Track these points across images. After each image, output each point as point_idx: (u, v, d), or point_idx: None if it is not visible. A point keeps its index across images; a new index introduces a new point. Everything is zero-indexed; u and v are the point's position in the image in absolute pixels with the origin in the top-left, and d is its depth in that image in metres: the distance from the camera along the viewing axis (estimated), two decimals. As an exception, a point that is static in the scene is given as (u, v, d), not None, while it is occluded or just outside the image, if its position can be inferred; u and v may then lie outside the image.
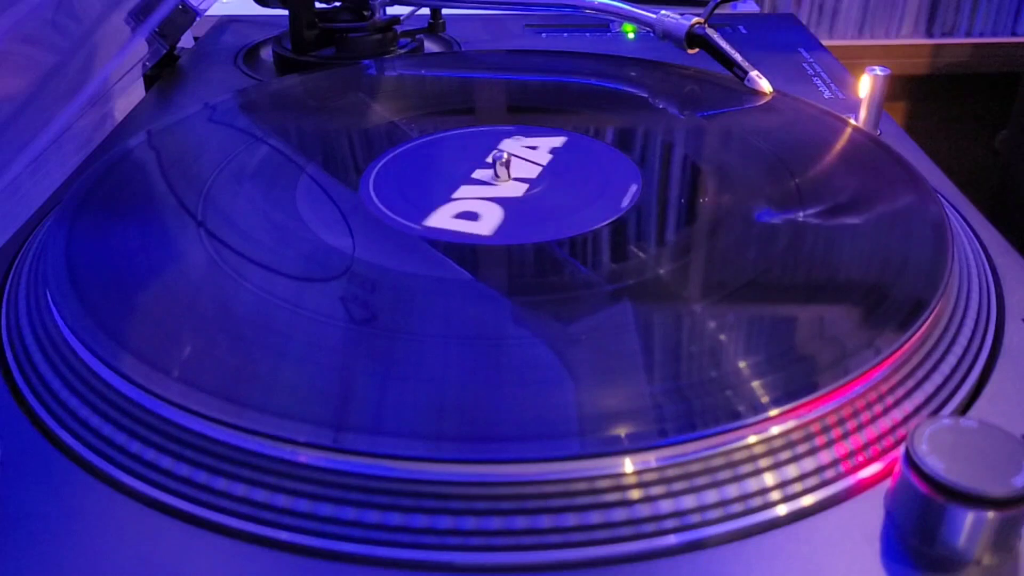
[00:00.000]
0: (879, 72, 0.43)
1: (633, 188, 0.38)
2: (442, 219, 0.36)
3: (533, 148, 0.42)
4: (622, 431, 0.25)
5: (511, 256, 0.34)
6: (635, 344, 0.28)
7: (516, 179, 0.39)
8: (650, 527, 0.23)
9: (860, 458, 0.25)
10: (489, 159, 0.41)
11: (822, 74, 0.56)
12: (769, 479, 0.24)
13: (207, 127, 0.45)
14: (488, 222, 0.36)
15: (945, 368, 0.28)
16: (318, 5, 0.58)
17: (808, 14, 0.98)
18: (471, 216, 0.36)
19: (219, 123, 0.46)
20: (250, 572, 0.23)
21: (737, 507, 0.24)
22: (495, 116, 0.48)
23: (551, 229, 0.35)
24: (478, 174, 0.40)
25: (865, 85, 0.44)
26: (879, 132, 0.45)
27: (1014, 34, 0.99)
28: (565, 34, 0.65)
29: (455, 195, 0.38)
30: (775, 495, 0.24)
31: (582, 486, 0.24)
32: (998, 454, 0.22)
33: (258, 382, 0.27)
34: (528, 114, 0.47)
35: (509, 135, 0.44)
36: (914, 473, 0.22)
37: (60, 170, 0.43)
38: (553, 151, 0.42)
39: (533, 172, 0.40)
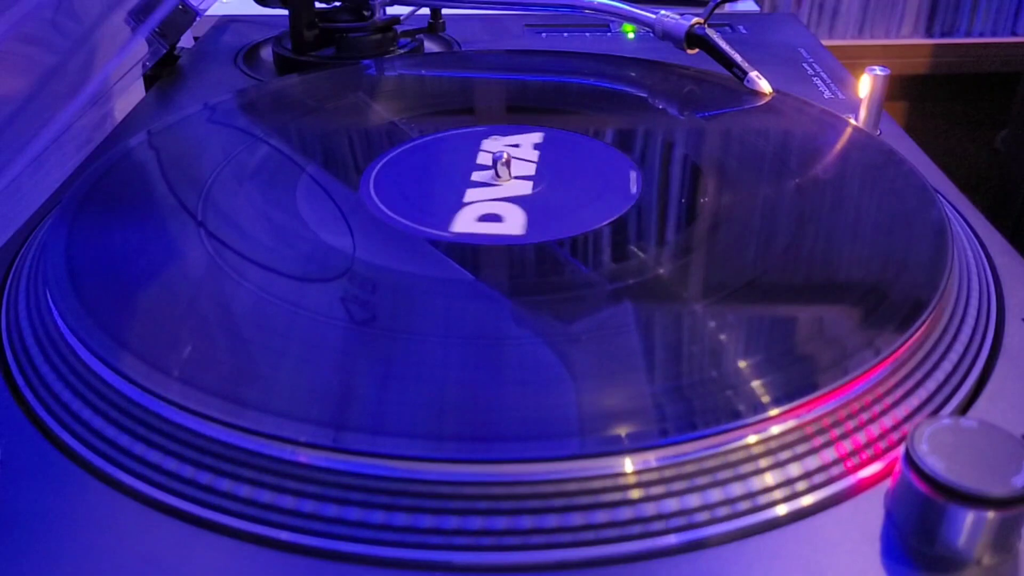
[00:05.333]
0: (879, 72, 0.43)
1: (634, 175, 0.38)
2: (467, 223, 0.36)
3: (516, 146, 0.42)
4: (622, 431, 0.25)
5: (511, 256, 0.34)
6: (635, 344, 0.28)
7: (516, 177, 0.39)
8: (650, 527, 0.23)
9: (860, 458, 0.25)
10: (488, 160, 0.41)
11: (822, 74, 0.56)
12: (769, 479, 0.24)
13: (207, 127, 0.45)
14: (515, 222, 0.36)
15: (945, 368, 0.28)
16: (318, 5, 0.58)
17: (808, 14, 0.98)
18: (495, 218, 0.36)
19: (219, 123, 0.46)
20: (251, 572, 0.23)
21: (737, 507, 0.24)
22: (495, 116, 0.48)
23: (572, 224, 0.35)
24: (477, 175, 0.40)
25: (865, 85, 0.44)
26: (879, 132, 0.45)
27: (1014, 34, 0.99)
28: (565, 34, 0.65)
29: (467, 199, 0.38)
30: (775, 495, 0.24)
31: (582, 486, 0.24)
32: (998, 454, 0.22)
33: (258, 382, 0.27)
34: (528, 114, 0.47)
35: (507, 135, 0.44)
36: (914, 473, 0.22)
37: (60, 170, 0.43)
38: (537, 147, 0.42)
39: (530, 170, 0.40)
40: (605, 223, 0.35)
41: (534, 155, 0.41)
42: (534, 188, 0.38)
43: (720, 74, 0.50)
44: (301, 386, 0.27)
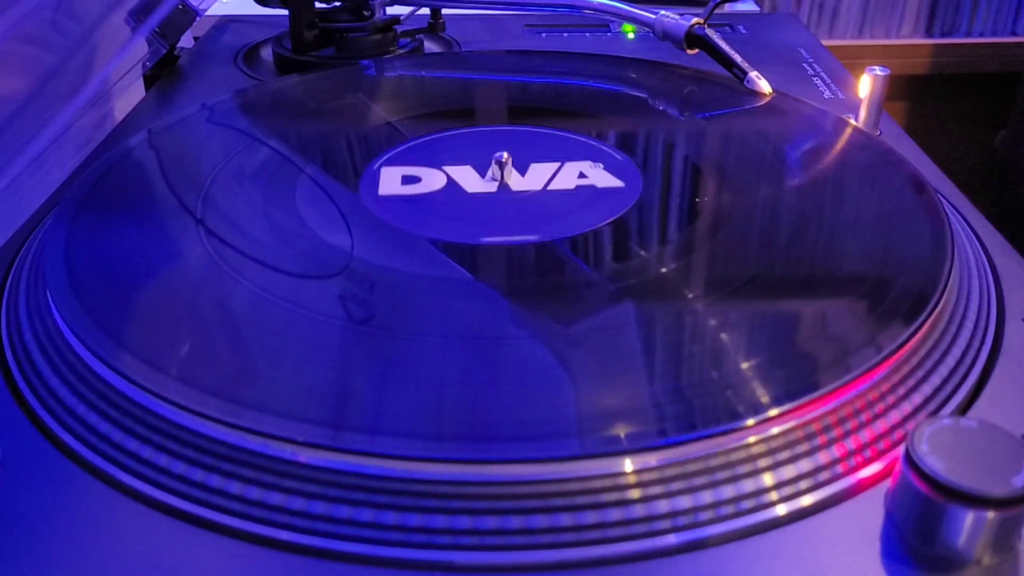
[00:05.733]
0: (879, 72, 0.43)
1: (631, 189, 0.38)
2: (390, 176, 0.39)
3: (583, 176, 0.39)
4: (622, 431, 0.25)
5: (511, 256, 0.34)
6: (635, 344, 0.28)
7: (504, 184, 0.39)
8: (650, 527, 0.23)
9: (860, 458, 0.25)
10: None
11: (822, 74, 0.56)
12: (769, 479, 0.24)
13: (206, 127, 0.45)
14: (397, 187, 0.38)
15: (945, 368, 0.28)
16: (318, 5, 0.58)
17: (808, 14, 0.98)
18: (413, 180, 0.39)
19: (218, 123, 0.46)
20: (250, 572, 0.23)
21: (737, 507, 0.24)
22: (494, 117, 0.48)
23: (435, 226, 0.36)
24: (474, 172, 0.40)
25: (865, 85, 0.44)
26: (879, 132, 0.45)
27: (1014, 34, 0.99)
28: (565, 34, 0.65)
29: (444, 166, 0.40)
30: (775, 495, 0.24)
31: (582, 486, 0.24)
32: (998, 454, 0.22)
33: (257, 381, 0.27)
34: (528, 115, 0.47)
35: (507, 136, 0.44)
36: (914, 473, 0.22)
37: (60, 170, 0.43)
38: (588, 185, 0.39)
39: (532, 185, 0.39)
40: (605, 222, 0.35)
41: (568, 183, 0.39)
42: (490, 192, 0.38)
43: (720, 74, 0.50)
44: (300, 386, 0.27)
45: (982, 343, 0.30)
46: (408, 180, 0.39)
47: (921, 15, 0.98)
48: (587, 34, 0.65)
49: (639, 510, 0.23)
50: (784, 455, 0.25)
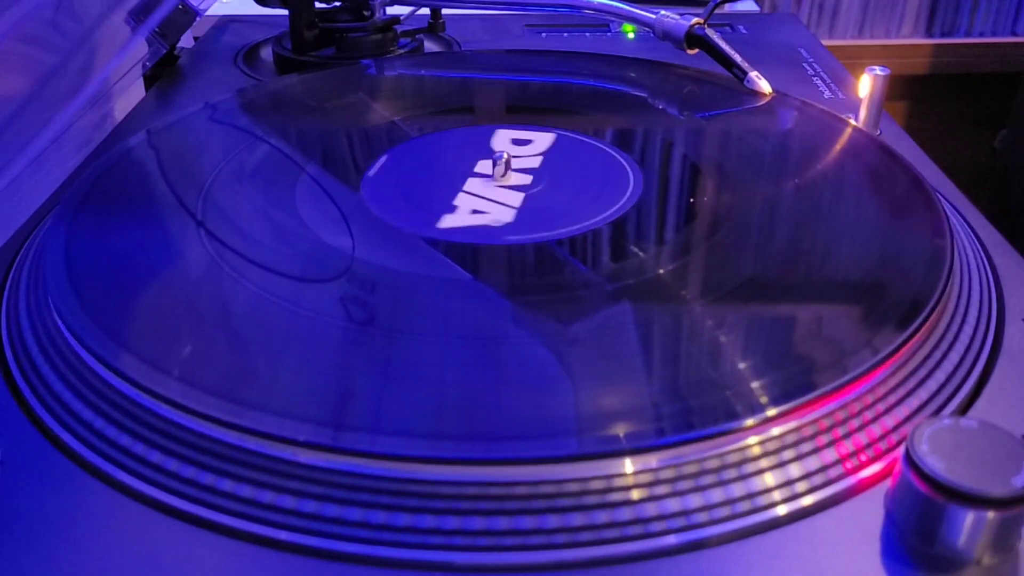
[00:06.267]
0: (879, 72, 0.43)
1: (630, 189, 0.38)
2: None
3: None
4: (621, 431, 0.25)
5: (511, 256, 0.34)
6: (634, 344, 0.28)
7: (516, 179, 0.39)
8: (650, 527, 0.23)
9: (860, 458, 0.25)
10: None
11: (822, 74, 0.56)
12: (769, 479, 0.24)
13: (207, 127, 0.45)
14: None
15: (945, 368, 0.28)
16: (318, 5, 0.58)
17: (808, 14, 0.98)
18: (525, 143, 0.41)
19: (219, 123, 0.46)
20: (250, 572, 0.23)
21: (737, 507, 0.24)
22: (494, 116, 0.48)
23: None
24: (477, 172, 0.40)
25: (865, 85, 0.44)
26: (879, 132, 0.45)
27: (1014, 34, 0.99)
28: (565, 34, 0.65)
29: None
30: (775, 495, 0.24)
31: (581, 486, 0.24)
32: (998, 454, 0.22)
33: (258, 382, 0.27)
34: (527, 114, 0.47)
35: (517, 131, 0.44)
36: (914, 473, 0.22)
37: (60, 170, 0.43)
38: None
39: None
40: (604, 222, 0.35)
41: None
42: (534, 185, 0.38)
43: (720, 74, 0.50)
44: (300, 386, 0.27)
45: (982, 343, 0.30)
46: (519, 142, 0.42)
47: (921, 15, 0.98)
48: (587, 34, 0.65)
49: (639, 510, 0.23)
50: (784, 455, 0.25)
